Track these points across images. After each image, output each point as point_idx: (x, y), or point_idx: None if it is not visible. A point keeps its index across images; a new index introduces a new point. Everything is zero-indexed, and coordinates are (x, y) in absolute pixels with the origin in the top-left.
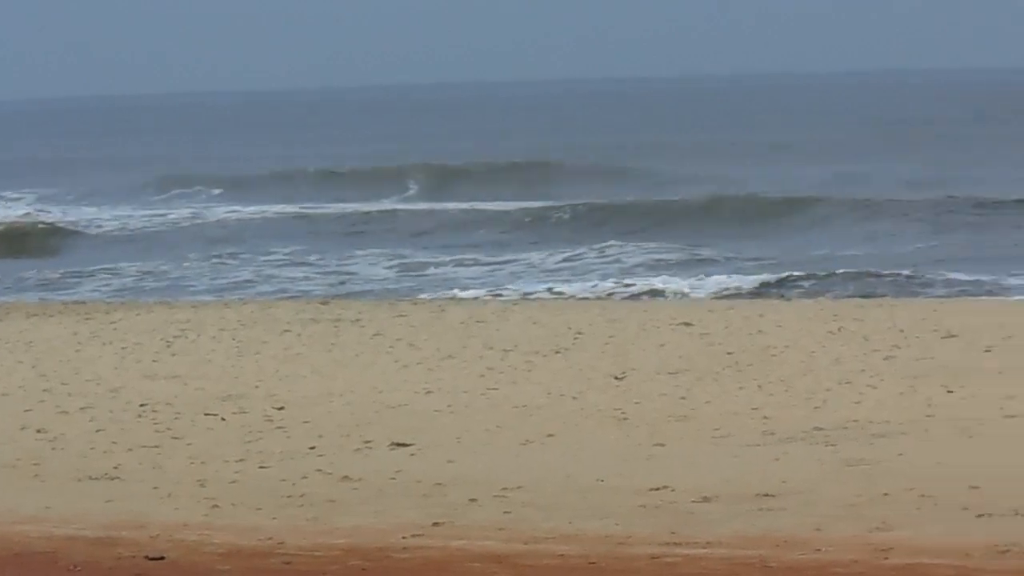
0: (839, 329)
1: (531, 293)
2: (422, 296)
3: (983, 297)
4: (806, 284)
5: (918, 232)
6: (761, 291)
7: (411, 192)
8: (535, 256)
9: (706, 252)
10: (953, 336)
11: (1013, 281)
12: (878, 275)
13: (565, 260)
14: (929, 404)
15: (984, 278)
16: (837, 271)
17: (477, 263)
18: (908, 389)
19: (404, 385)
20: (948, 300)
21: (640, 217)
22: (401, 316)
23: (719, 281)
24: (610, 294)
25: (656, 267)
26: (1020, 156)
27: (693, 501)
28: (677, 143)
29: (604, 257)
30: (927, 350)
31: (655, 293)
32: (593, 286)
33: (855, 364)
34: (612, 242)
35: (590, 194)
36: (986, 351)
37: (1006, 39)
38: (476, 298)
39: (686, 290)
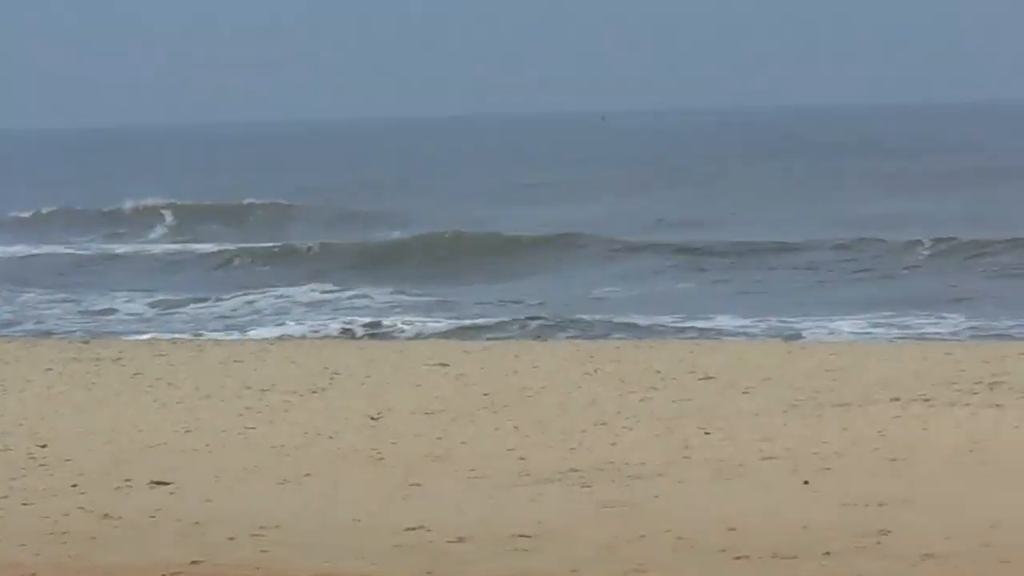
0: (595, 370)
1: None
2: (181, 335)
3: (737, 339)
4: (532, 324)
5: (665, 273)
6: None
7: (157, 232)
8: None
9: (438, 293)
10: (710, 378)
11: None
12: (609, 321)
13: (279, 298)
14: (686, 446)
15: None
16: (581, 315)
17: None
18: (665, 431)
19: (164, 424)
20: (705, 341)
21: (371, 257)
22: (161, 355)
23: (452, 321)
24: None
25: (388, 307)
26: (778, 196)
27: (449, 541)
28: (428, 184)
29: (333, 296)
30: (684, 391)
31: (381, 331)
32: (319, 326)
33: (611, 405)
34: (345, 284)
35: (333, 235)
36: (744, 393)
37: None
38: (235, 339)
39: (405, 328)
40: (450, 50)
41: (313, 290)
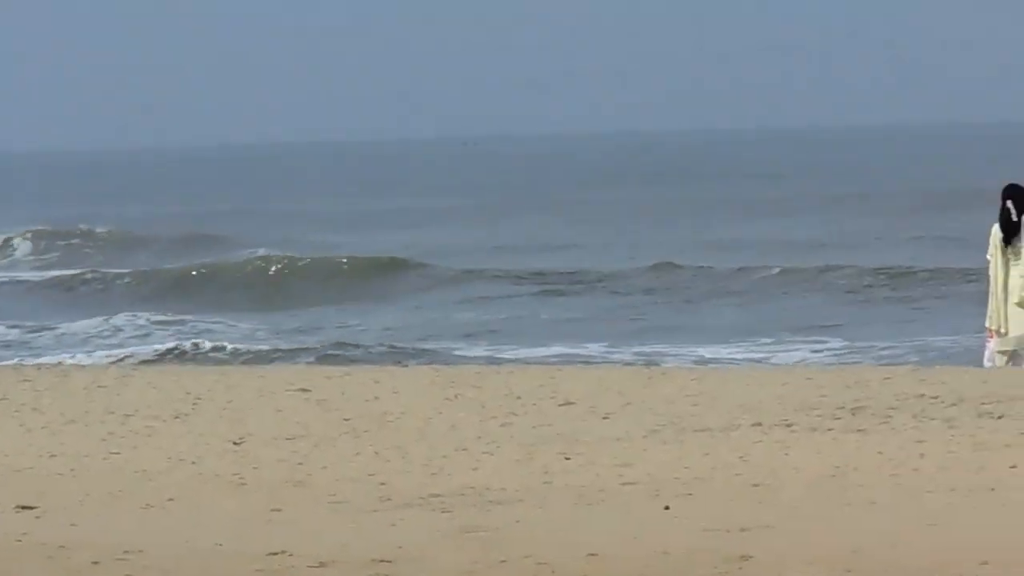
0: (456, 396)
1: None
2: (44, 360)
3: (599, 365)
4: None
5: (506, 300)
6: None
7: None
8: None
9: (260, 319)
10: (571, 403)
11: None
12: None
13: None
14: (546, 471)
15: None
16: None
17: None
18: (525, 456)
19: (29, 449)
20: (566, 367)
21: (196, 282)
22: (26, 380)
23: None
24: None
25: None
26: (635, 221)
27: (310, 566)
28: (279, 209)
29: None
30: (544, 417)
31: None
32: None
33: (472, 431)
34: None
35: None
36: (604, 418)
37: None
38: (99, 364)
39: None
40: (322, 76)
41: (137, 316)
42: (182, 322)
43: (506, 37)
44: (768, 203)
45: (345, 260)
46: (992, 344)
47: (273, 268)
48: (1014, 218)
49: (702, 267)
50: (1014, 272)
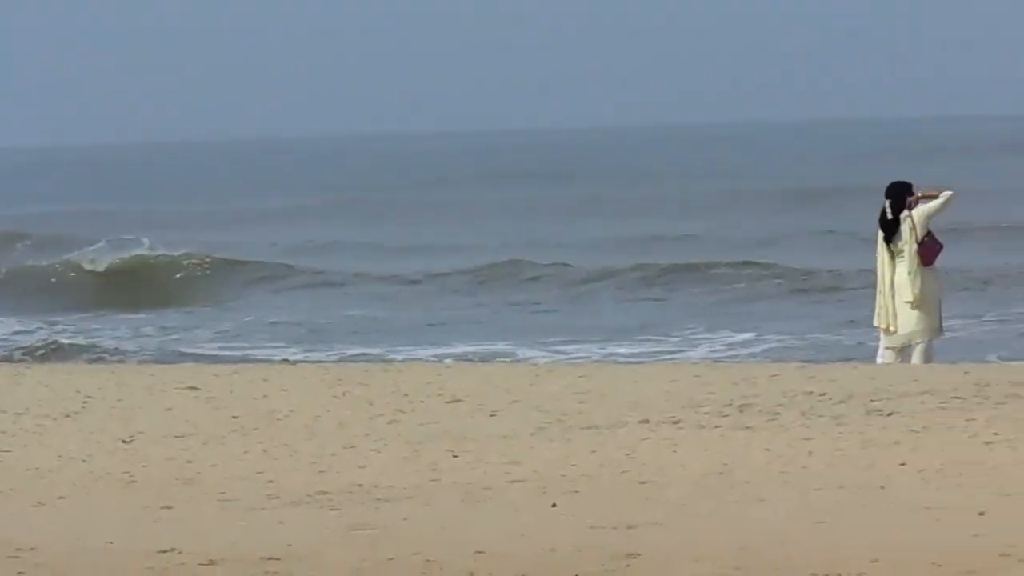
0: (344, 393)
1: None
2: None
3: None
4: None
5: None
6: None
7: None
8: None
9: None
10: (458, 400)
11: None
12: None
13: None
14: (434, 469)
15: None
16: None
17: None
18: (413, 454)
19: None
20: (454, 365)
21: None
22: None
23: None
24: None
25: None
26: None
27: (200, 564)
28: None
29: None
30: (432, 415)
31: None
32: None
33: (360, 428)
34: None
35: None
36: (491, 416)
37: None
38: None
39: None
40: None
41: None
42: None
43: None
44: (653, 201)
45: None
46: (883, 341)
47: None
48: (889, 216)
49: (556, 264)
50: (900, 269)
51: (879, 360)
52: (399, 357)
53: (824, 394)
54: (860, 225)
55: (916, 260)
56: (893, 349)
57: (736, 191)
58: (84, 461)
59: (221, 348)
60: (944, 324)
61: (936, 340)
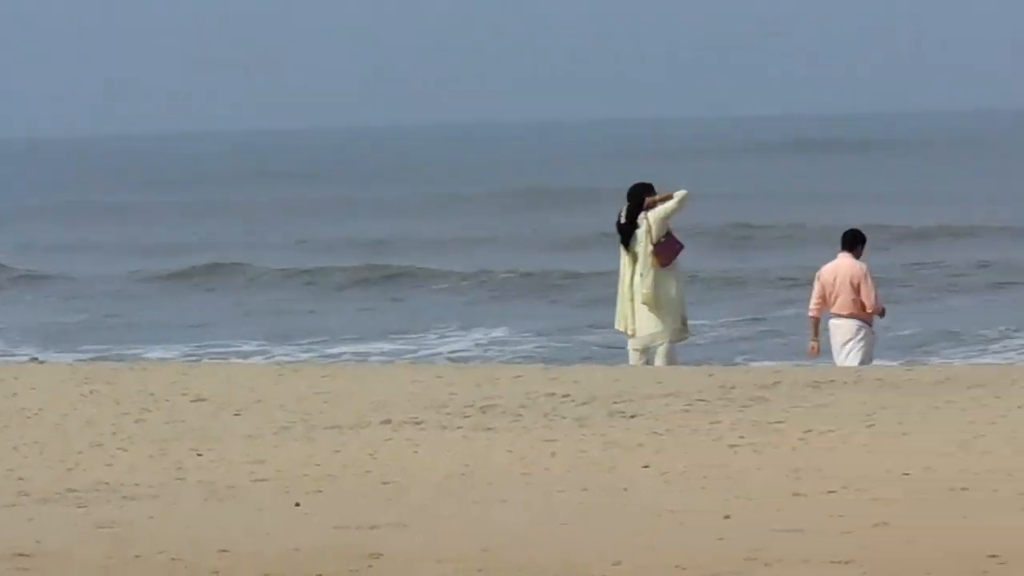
0: (91, 392)
1: None
2: None
3: (236, 361)
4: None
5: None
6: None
7: None
8: None
9: None
10: (203, 400)
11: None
12: None
13: None
14: (179, 467)
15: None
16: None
17: None
18: (158, 452)
19: None
20: (199, 364)
21: None
22: None
23: None
24: None
25: None
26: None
27: None
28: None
29: None
30: (177, 413)
31: None
32: None
33: (107, 427)
34: None
35: None
36: (236, 415)
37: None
38: None
39: None
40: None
41: None
42: None
43: None
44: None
45: None
46: (629, 343)
47: None
48: (623, 219)
49: (333, 267)
50: (638, 271)
51: (631, 362)
52: (151, 356)
53: (567, 395)
54: (611, 226)
55: (651, 261)
56: (637, 351)
57: (490, 191)
58: None
59: None
60: (690, 325)
61: (679, 342)
